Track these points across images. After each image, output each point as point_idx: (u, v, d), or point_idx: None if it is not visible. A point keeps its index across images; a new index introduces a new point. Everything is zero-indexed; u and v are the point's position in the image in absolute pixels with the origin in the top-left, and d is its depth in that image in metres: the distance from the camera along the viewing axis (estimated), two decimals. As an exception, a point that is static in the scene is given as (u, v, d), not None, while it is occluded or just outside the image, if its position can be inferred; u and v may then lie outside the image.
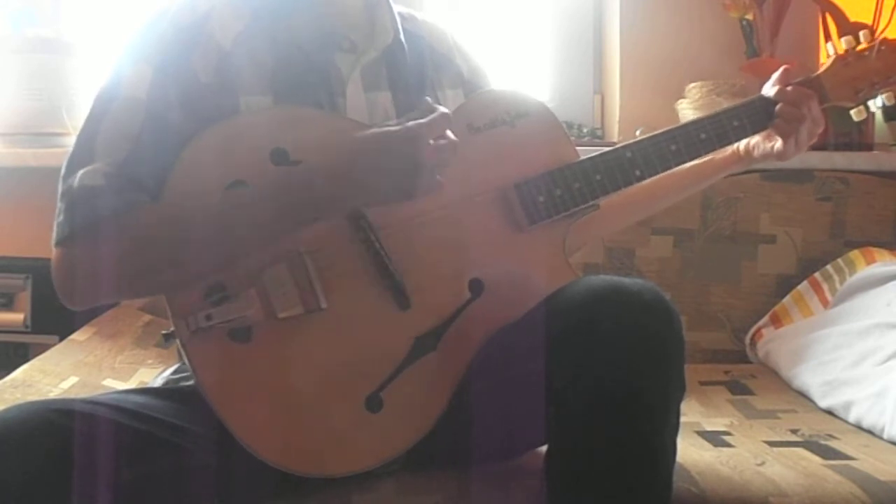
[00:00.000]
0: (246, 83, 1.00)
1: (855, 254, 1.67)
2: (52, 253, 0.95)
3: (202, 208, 0.93)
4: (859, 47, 1.20)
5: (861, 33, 1.21)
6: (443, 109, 0.96)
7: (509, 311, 0.98)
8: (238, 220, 0.92)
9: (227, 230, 0.92)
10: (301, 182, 0.93)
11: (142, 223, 0.92)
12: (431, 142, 0.93)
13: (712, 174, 1.22)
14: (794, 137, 1.15)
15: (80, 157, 0.95)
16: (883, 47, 1.19)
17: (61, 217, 0.94)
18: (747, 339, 1.71)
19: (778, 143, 1.15)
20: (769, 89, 1.17)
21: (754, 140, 1.18)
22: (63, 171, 0.96)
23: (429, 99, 0.99)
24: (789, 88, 1.15)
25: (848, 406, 1.31)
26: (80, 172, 0.93)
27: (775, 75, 1.17)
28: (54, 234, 0.94)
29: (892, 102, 1.22)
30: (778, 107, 1.15)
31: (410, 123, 0.94)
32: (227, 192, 0.94)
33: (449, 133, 0.95)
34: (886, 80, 1.19)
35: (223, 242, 0.92)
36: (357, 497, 0.96)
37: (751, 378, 1.58)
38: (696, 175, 1.20)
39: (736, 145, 1.19)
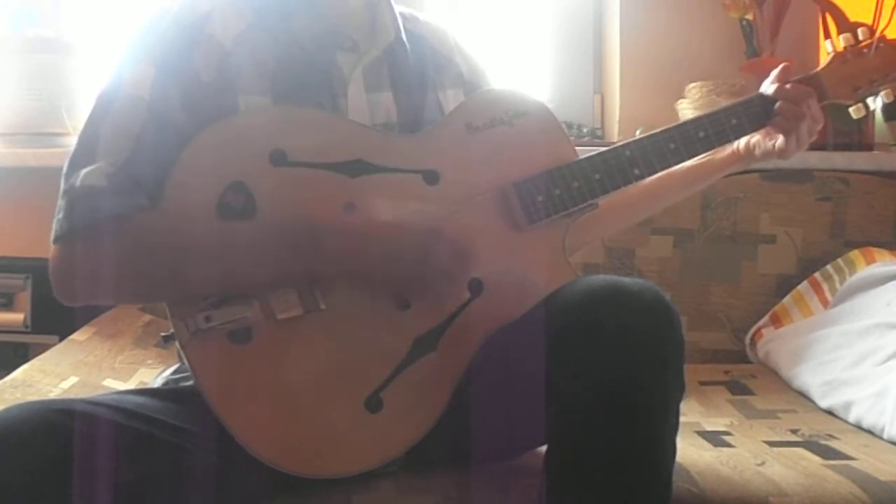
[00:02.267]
0: (246, 83, 1.00)
1: (855, 254, 1.67)
2: (51, 249, 0.95)
3: (203, 235, 0.93)
4: (858, 45, 1.20)
5: (860, 31, 1.20)
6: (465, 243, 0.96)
7: (509, 311, 0.98)
8: (239, 258, 0.93)
9: (227, 267, 0.92)
10: (307, 238, 0.92)
11: (143, 242, 0.92)
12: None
13: (712, 173, 1.22)
14: (794, 135, 1.15)
15: (82, 155, 0.95)
16: (881, 44, 1.19)
17: (61, 214, 0.94)
18: (747, 339, 1.71)
19: (779, 141, 1.15)
20: (768, 87, 1.17)
21: (755, 138, 1.18)
22: (65, 169, 0.96)
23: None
24: (788, 86, 1.15)
25: (848, 406, 1.31)
26: (83, 172, 0.93)
27: (774, 73, 1.17)
28: (53, 231, 0.94)
29: (891, 100, 1.22)
30: (778, 104, 1.14)
31: (428, 239, 0.94)
32: (230, 228, 0.94)
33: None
34: (885, 77, 1.19)
35: (222, 276, 0.92)
36: (357, 497, 0.96)
37: (751, 378, 1.58)
38: (696, 174, 1.20)
39: (736, 144, 1.18)
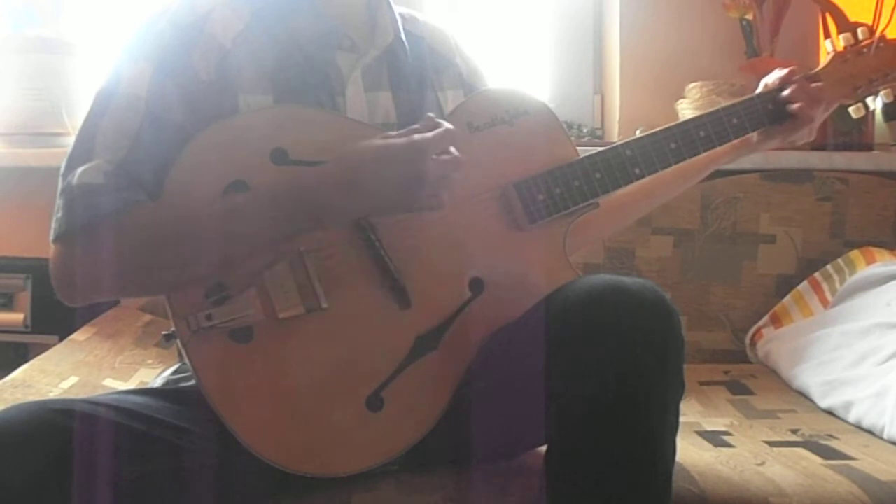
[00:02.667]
0: (246, 82, 1.00)
1: (855, 254, 1.67)
2: (51, 249, 0.95)
3: (202, 211, 0.93)
4: (858, 44, 1.20)
5: (860, 30, 1.21)
6: (447, 125, 0.96)
7: (510, 310, 0.98)
8: (238, 225, 0.92)
9: (227, 235, 0.92)
10: (302, 190, 0.93)
11: (142, 223, 0.92)
12: (434, 157, 0.93)
13: (710, 164, 1.22)
14: (809, 126, 1.17)
15: (79, 154, 0.95)
16: (881, 44, 1.19)
17: (60, 213, 0.94)
18: (747, 339, 1.71)
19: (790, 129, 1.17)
20: (772, 87, 1.17)
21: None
22: (63, 168, 0.96)
23: (432, 115, 0.99)
24: (801, 85, 1.16)
25: (848, 406, 1.31)
26: (80, 170, 0.93)
27: (779, 73, 1.18)
28: (52, 230, 0.94)
29: (891, 100, 1.22)
30: (796, 106, 1.15)
31: (416, 137, 0.94)
32: (228, 197, 0.94)
33: (452, 150, 0.95)
34: (885, 76, 1.19)
35: (223, 246, 0.92)
36: (357, 497, 0.96)
37: (751, 378, 1.58)
38: (694, 167, 1.20)
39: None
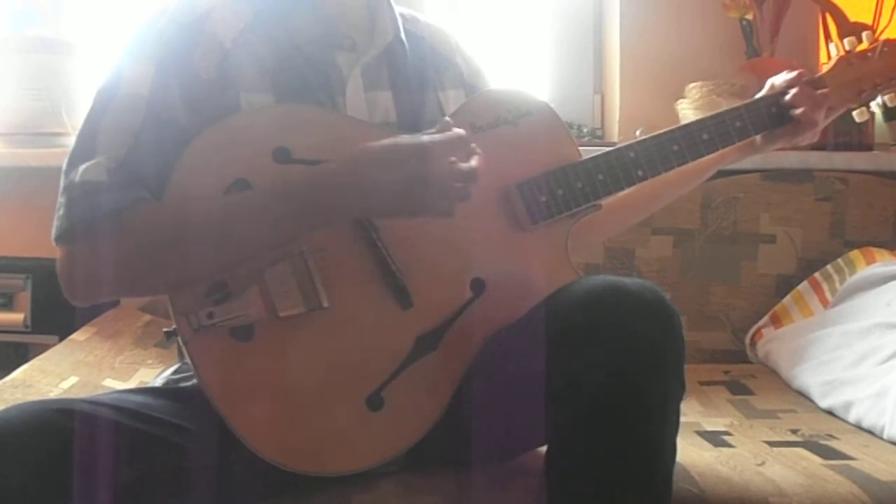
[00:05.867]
0: (247, 81, 1.00)
1: (855, 254, 1.67)
2: (57, 249, 0.95)
3: (205, 210, 0.93)
4: (862, 48, 1.20)
5: (864, 34, 1.21)
6: (460, 131, 0.95)
7: (510, 311, 0.98)
8: (241, 224, 0.92)
9: (229, 234, 0.92)
10: (306, 190, 0.92)
11: (144, 222, 0.92)
12: (451, 160, 0.92)
13: (713, 165, 1.21)
14: (814, 130, 1.17)
15: (82, 152, 0.95)
16: (886, 48, 1.19)
17: (62, 211, 0.93)
18: (747, 339, 1.72)
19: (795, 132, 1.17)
20: (778, 89, 1.17)
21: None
22: (65, 166, 0.96)
23: (448, 119, 0.98)
24: (805, 90, 1.16)
25: (848, 406, 1.31)
26: (82, 167, 0.93)
27: (787, 75, 1.17)
28: (54, 229, 0.94)
29: (895, 104, 1.22)
30: (800, 111, 1.15)
31: (424, 138, 0.93)
32: (230, 196, 0.94)
33: (474, 161, 0.93)
34: (889, 80, 1.20)
35: (226, 246, 0.92)
36: (357, 497, 0.96)
37: (751, 378, 1.58)
38: (697, 168, 1.19)
39: None
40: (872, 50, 1.19)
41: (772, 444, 1.20)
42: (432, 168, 0.91)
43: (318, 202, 0.91)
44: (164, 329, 0.96)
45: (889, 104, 1.21)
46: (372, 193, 0.91)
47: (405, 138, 0.94)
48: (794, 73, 1.18)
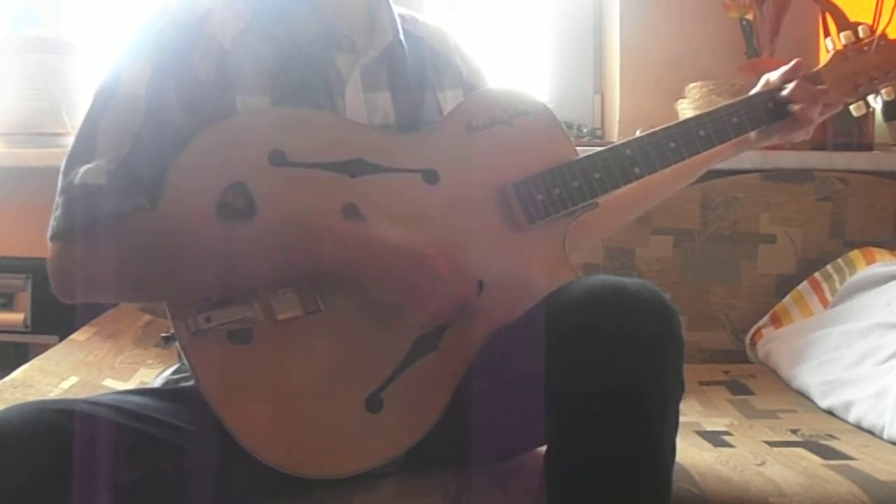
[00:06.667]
0: (244, 83, 1.00)
1: (855, 254, 1.67)
2: (49, 247, 0.95)
3: (201, 228, 0.93)
4: (859, 42, 1.20)
5: (860, 28, 1.21)
6: (472, 283, 0.97)
7: (509, 311, 0.98)
8: (237, 260, 0.92)
9: (227, 265, 0.92)
10: (300, 246, 0.92)
11: (141, 230, 0.92)
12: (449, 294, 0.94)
13: (708, 161, 1.22)
14: (809, 126, 1.18)
15: (80, 153, 0.95)
16: (882, 42, 1.19)
17: (59, 211, 0.93)
18: (747, 339, 1.71)
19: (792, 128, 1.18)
20: (774, 84, 1.17)
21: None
22: (63, 166, 0.96)
23: None
24: (801, 85, 1.16)
25: (848, 406, 1.31)
26: (83, 169, 0.93)
27: (783, 68, 1.18)
28: (50, 228, 0.94)
29: (892, 98, 1.22)
30: (797, 107, 1.15)
31: (436, 264, 0.93)
32: (230, 228, 0.93)
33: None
34: (886, 74, 1.19)
35: (220, 271, 0.92)
36: (357, 497, 0.96)
37: (751, 378, 1.58)
38: (693, 164, 1.19)
39: None
40: (869, 44, 1.19)
41: (772, 444, 1.20)
42: (428, 288, 0.93)
43: (317, 260, 0.92)
44: (163, 334, 0.96)
45: (887, 98, 1.21)
46: (367, 282, 0.94)
47: (417, 245, 0.94)
48: (790, 65, 1.18)
